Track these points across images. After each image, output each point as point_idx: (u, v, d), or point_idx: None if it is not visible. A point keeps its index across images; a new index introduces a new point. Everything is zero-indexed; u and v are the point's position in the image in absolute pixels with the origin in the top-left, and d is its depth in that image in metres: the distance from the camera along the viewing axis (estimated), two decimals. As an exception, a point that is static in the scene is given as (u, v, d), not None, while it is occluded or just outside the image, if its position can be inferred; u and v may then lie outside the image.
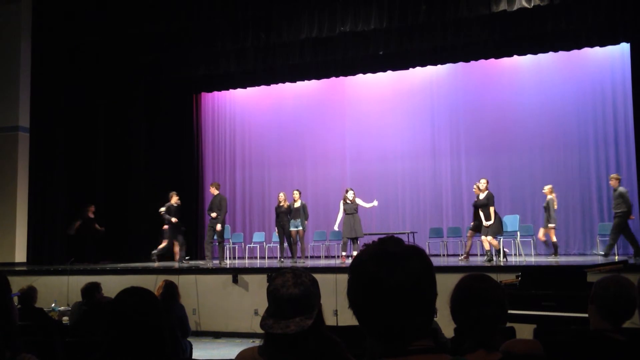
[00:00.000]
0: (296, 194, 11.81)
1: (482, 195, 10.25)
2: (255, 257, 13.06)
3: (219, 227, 11.52)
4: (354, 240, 11.07)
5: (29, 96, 12.64)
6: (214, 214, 11.55)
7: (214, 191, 11.82)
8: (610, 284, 2.47)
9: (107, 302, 5.93)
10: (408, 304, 1.20)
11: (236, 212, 14.93)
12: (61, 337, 4.65)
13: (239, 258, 12.07)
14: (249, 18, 11.82)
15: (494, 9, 10.42)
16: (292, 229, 11.63)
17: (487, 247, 10.09)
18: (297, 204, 11.70)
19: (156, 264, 11.29)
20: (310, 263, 11.17)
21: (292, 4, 11.55)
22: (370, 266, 1.23)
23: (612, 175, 10.73)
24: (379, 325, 1.22)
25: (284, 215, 11.73)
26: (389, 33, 11.77)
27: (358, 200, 11.32)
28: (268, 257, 12.66)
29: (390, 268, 1.21)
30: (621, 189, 10.29)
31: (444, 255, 11.61)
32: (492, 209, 10.12)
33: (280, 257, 11.93)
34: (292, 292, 1.82)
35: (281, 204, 11.80)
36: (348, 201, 11.18)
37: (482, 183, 10.32)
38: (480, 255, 10.45)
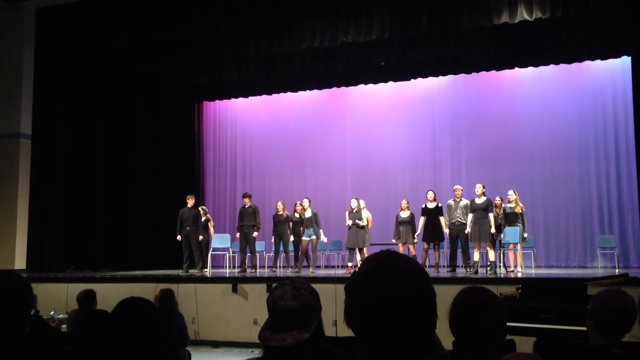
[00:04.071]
0: (306, 203, 11.38)
1: (479, 200, 10.22)
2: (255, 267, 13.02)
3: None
4: (360, 250, 10.97)
5: (31, 103, 12.67)
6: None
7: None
8: (609, 299, 2.46)
9: (102, 312, 5.93)
10: (406, 322, 1.18)
11: (236, 221, 14.90)
12: (60, 345, 4.64)
13: (238, 267, 12.02)
14: (251, 27, 11.85)
15: (496, 21, 10.45)
16: (304, 238, 11.25)
17: (491, 257, 10.05)
18: (308, 213, 11.30)
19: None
20: (310, 273, 11.13)
21: (294, 14, 11.59)
22: (365, 287, 1.20)
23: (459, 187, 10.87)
24: (377, 342, 1.20)
25: (281, 224, 11.63)
26: (390, 44, 11.81)
27: (365, 212, 11.10)
28: (268, 267, 12.62)
29: (385, 289, 1.18)
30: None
31: (443, 266, 11.58)
32: (491, 215, 10.09)
33: (273, 267, 11.87)
34: (289, 304, 1.81)
35: (280, 213, 11.67)
36: (352, 210, 11.10)
37: (479, 188, 10.27)
38: (481, 267, 10.41)
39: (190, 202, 11.75)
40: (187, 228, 11.55)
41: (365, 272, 1.23)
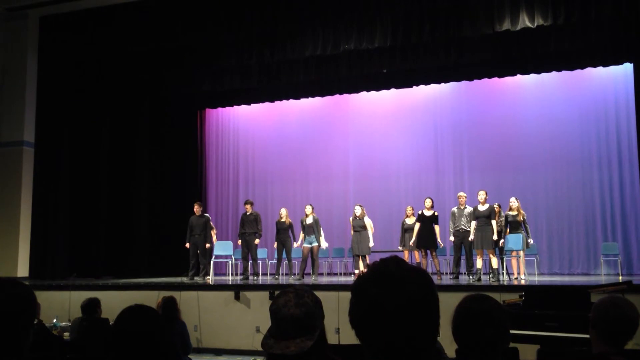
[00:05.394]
0: (308, 209, 11.40)
1: (482, 207, 10.21)
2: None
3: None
4: (363, 257, 10.95)
5: (35, 111, 12.71)
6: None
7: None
8: (610, 307, 2.46)
9: (104, 320, 5.93)
10: (409, 326, 1.20)
11: (238, 228, 14.91)
12: (62, 353, 4.64)
13: (240, 275, 12.01)
14: (254, 35, 11.88)
15: (498, 28, 10.47)
16: (306, 245, 11.26)
17: (494, 265, 10.04)
18: (310, 220, 11.30)
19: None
20: (312, 280, 11.11)
21: (297, 22, 11.62)
22: (370, 288, 1.23)
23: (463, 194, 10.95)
24: (379, 345, 1.22)
25: (284, 231, 11.62)
26: (392, 51, 11.83)
27: (367, 220, 11.11)
28: (270, 274, 12.61)
29: (390, 291, 1.20)
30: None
31: (446, 273, 11.55)
32: (494, 222, 10.08)
33: (276, 274, 11.84)
34: (293, 312, 1.81)
35: (282, 220, 11.65)
36: (356, 217, 11.09)
37: (482, 195, 10.27)
38: (483, 274, 10.39)
39: (197, 209, 11.77)
40: (196, 236, 11.59)
41: (370, 276, 1.26)
